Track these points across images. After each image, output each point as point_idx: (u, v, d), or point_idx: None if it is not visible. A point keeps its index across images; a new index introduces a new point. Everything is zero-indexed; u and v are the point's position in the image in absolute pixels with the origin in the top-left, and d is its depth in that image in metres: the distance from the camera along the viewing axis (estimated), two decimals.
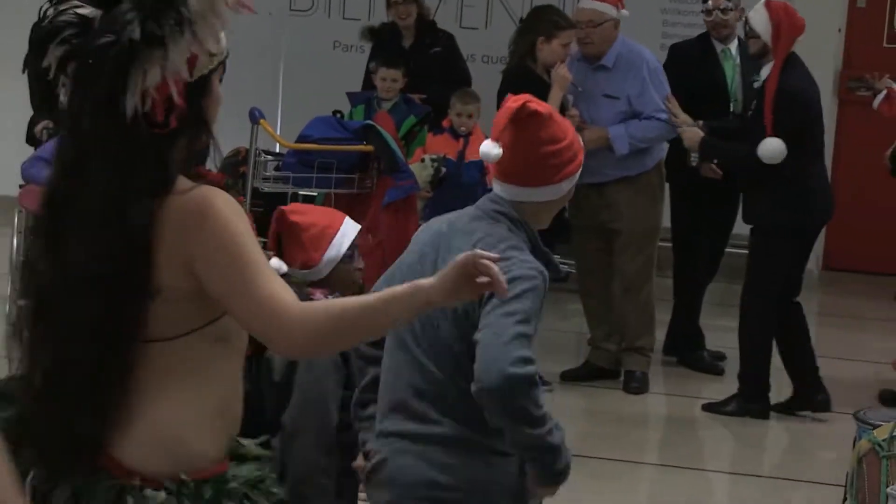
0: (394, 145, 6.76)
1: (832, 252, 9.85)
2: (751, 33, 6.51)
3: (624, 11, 6.64)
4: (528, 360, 2.78)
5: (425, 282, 2.12)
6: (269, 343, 2.15)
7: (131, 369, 2.06)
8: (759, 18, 6.33)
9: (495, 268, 2.11)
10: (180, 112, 2.04)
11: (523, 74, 6.65)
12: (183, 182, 2.08)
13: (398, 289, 2.15)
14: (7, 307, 6.88)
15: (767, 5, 6.28)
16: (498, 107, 6.07)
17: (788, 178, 6.29)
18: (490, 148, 3.09)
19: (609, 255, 6.78)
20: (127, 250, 2.03)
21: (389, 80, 7.24)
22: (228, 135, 8.24)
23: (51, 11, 2.05)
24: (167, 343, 2.08)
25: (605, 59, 6.67)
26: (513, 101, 3.04)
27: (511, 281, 2.64)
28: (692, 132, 6.50)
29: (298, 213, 3.79)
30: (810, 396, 6.52)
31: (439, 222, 3.13)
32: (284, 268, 3.60)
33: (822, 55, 9.32)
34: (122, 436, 2.09)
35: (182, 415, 2.11)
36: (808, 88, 6.37)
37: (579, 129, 5.96)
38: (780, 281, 6.50)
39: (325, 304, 2.24)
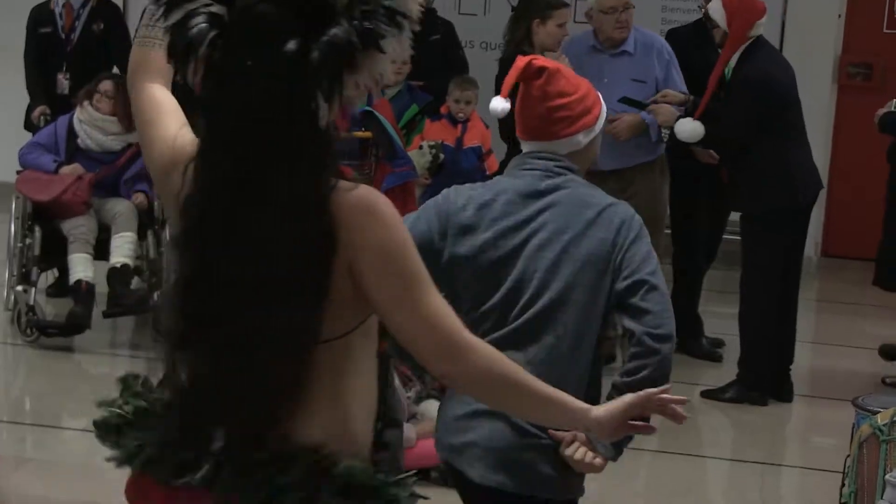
0: (392, 132, 6.69)
1: (830, 239, 9.88)
2: (712, 24, 6.55)
3: None
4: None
5: (596, 412, 2.12)
6: (434, 363, 2.09)
7: (310, 373, 2.02)
8: (715, 7, 6.40)
9: (672, 401, 2.23)
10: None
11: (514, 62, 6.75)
12: (343, 181, 2.06)
13: (571, 400, 2.14)
14: (5, 294, 6.95)
15: None
16: (496, 94, 6.12)
17: (770, 159, 6.31)
18: (497, 103, 3.21)
19: None
20: (311, 252, 1.99)
21: (400, 62, 7.20)
22: None
23: (177, 14, 1.96)
24: (332, 343, 2.04)
25: (627, 45, 6.68)
26: (520, 60, 3.10)
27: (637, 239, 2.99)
28: (667, 109, 6.49)
29: None
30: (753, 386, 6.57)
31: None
32: None
33: (821, 41, 9.37)
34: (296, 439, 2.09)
35: (351, 411, 2.09)
36: (771, 72, 6.38)
37: (611, 121, 6.09)
38: (777, 266, 6.49)
39: (501, 354, 2.12)
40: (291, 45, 1.93)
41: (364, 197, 2.03)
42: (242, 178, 1.97)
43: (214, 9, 1.97)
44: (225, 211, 1.99)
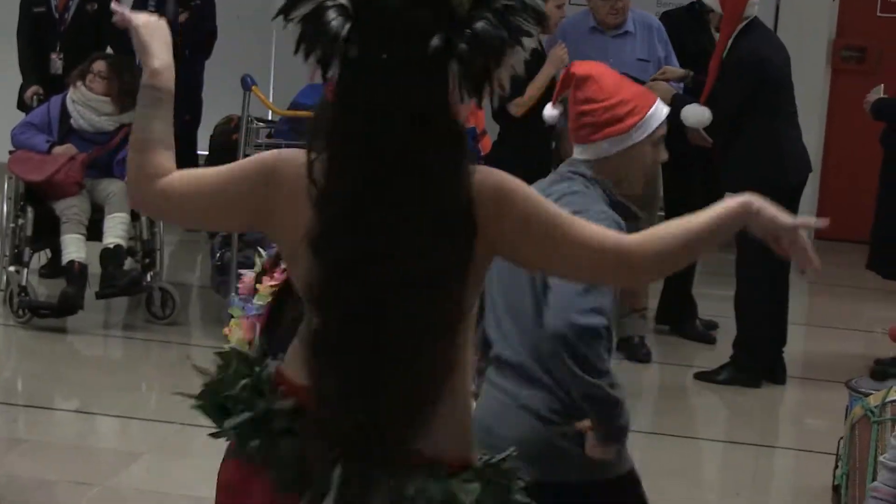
0: None
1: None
2: (706, 7, 6.62)
3: None
4: (597, 311, 2.88)
5: (749, 202, 2.16)
6: (626, 279, 2.29)
7: (455, 359, 2.07)
8: None
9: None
10: None
11: None
12: None
13: (721, 212, 2.16)
14: None
15: None
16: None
17: (761, 140, 6.36)
18: (547, 111, 3.33)
19: None
20: (458, 238, 2.01)
21: None
22: (220, 102, 8.32)
23: (306, 6, 1.94)
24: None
25: (627, 25, 6.76)
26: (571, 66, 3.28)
27: None
28: (663, 87, 6.51)
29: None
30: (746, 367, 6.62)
31: None
32: None
33: (815, 24, 9.40)
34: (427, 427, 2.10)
35: (464, 401, 2.13)
36: (764, 53, 6.41)
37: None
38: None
39: (665, 226, 2.18)
40: (436, 40, 1.92)
41: (491, 178, 2.05)
42: (383, 172, 1.97)
43: (342, 0, 1.96)
44: (368, 204, 1.98)
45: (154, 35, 2.20)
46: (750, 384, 6.52)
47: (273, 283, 3.40)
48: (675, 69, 6.71)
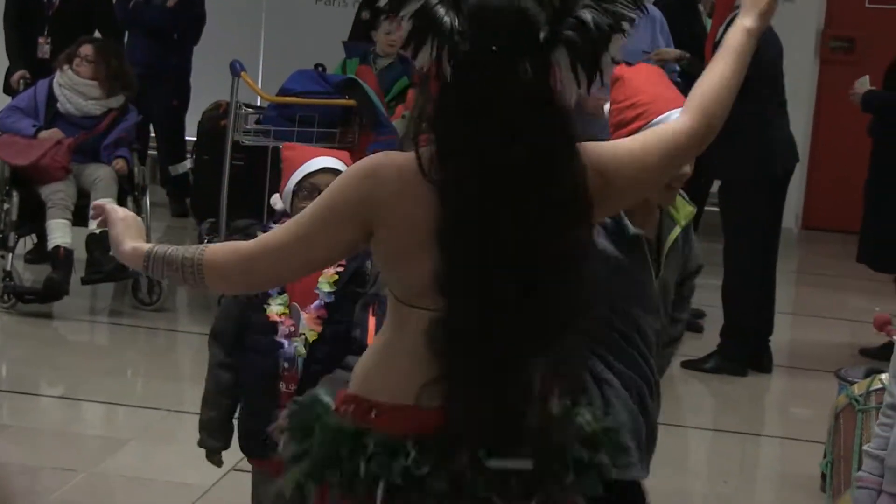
0: (376, 100, 6.72)
1: (811, 211, 9.93)
2: None
3: None
4: None
5: (748, 21, 2.34)
6: (700, 144, 2.31)
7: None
8: None
9: None
10: None
11: None
12: None
13: (737, 40, 2.35)
14: None
15: None
16: None
17: (749, 128, 6.35)
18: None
19: None
20: (586, 218, 2.11)
21: (394, 34, 7.03)
22: (209, 87, 8.29)
23: (415, 3, 1.98)
24: None
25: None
26: None
27: None
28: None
29: (290, 149, 3.84)
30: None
31: None
32: (280, 204, 3.61)
33: (804, 15, 9.31)
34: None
35: None
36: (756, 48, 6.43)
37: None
38: (757, 235, 6.56)
39: (701, 88, 2.31)
40: (545, 29, 1.99)
41: (584, 150, 2.12)
42: (506, 160, 2.01)
43: None
44: (494, 193, 2.02)
45: (129, 230, 2.24)
46: (736, 373, 6.55)
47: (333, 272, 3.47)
48: (671, 50, 6.75)
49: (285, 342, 3.56)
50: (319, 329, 3.54)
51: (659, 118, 3.15)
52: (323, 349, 3.52)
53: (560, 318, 2.09)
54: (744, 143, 6.40)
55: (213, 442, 3.68)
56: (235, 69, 6.58)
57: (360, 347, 3.23)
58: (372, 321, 3.48)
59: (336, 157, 3.75)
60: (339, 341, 3.51)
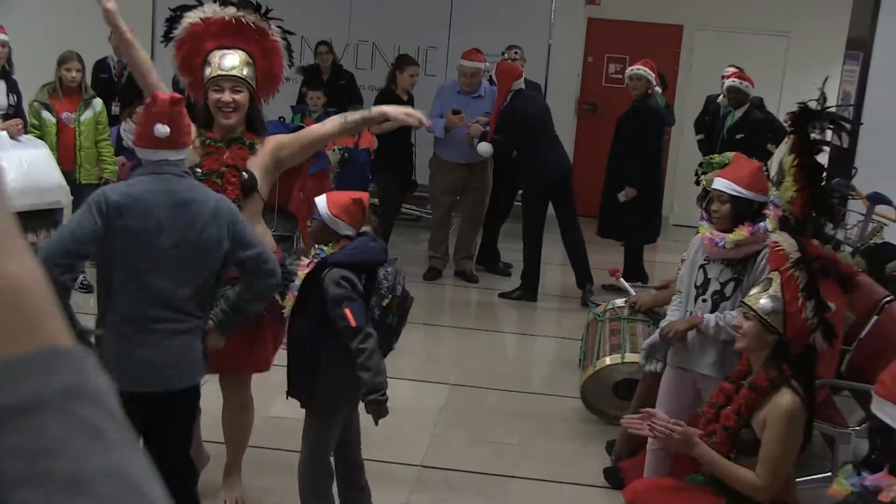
0: None
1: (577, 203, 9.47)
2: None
3: (487, 63, 7.58)
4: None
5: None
6: None
7: None
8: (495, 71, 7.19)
9: None
10: None
11: (388, 93, 7.61)
12: None
13: None
14: None
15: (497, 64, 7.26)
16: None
17: (532, 157, 7.21)
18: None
19: (456, 203, 7.70)
20: None
21: (315, 98, 7.94)
22: None
23: None
24: None
25: (480, 91, 7.66)
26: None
27: None
28: (476, 128, 7.50)
29: None
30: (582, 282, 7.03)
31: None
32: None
33: (568, 88, 10.44)
34: None
35: None
36: (524, 108, 7.14)
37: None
38: (540, 219, 7.27)
39: None
40: None
41: None
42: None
43: None
44: None
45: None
46: (531, 299, 7.35)
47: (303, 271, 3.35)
48: (482, 118, 7.51)
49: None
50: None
51: None
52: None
53: None
54: (531, 164, 7.23)
55: None
56: None
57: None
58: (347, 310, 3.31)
59: None
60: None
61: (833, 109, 4.05)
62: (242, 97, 3.60)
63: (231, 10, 3.60)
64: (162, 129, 3.10)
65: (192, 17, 3.62)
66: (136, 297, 3.08)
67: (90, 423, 0.43)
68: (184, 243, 3.09)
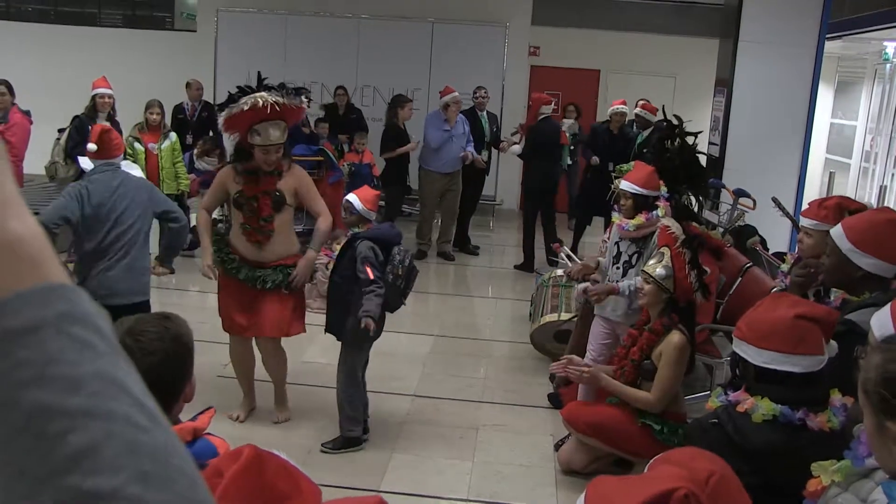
0: (332, 158, 7.28)
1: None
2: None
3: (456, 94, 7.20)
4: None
5: None
6: None
7: None
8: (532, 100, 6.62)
9: None
10: None
11: (392, 128, 7.45)
12: None
13: None
14: None
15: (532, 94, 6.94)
16: (381, 145, 6.90)
17: (532, 167, 7.18)
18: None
19: (442, 200, 7.54)
20: None
21: (323, 128, 7.90)
22: None
23: None
24: None
25: (460, 119, 7.43)
26: None
27: None
28: (511, 142, 7.19)
29: None
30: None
31: None
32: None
33: (517, 118, 9.73)
34: None
35: None
36: (544, 129, 6.93)
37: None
38: (536, 213, 7.09)
39: None
40: None
41: None
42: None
43: None
44: None
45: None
46: (528, 270, 6.96)
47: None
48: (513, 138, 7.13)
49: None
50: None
51: None
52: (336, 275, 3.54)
53: None
54: (531, 173, 7.24)
55: None
56: None
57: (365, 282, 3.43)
58: (368, 267, 3.51)
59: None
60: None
61: (686, 129, 4.08)
62: (279, 152, 3.81)
63: (275, 96, 3.75)
64: (91, 147, 3.67)
65: (244, 104, 3.75)
66: (104, 244, 3.57)
67: (81, 338, 0.43)
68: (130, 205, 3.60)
